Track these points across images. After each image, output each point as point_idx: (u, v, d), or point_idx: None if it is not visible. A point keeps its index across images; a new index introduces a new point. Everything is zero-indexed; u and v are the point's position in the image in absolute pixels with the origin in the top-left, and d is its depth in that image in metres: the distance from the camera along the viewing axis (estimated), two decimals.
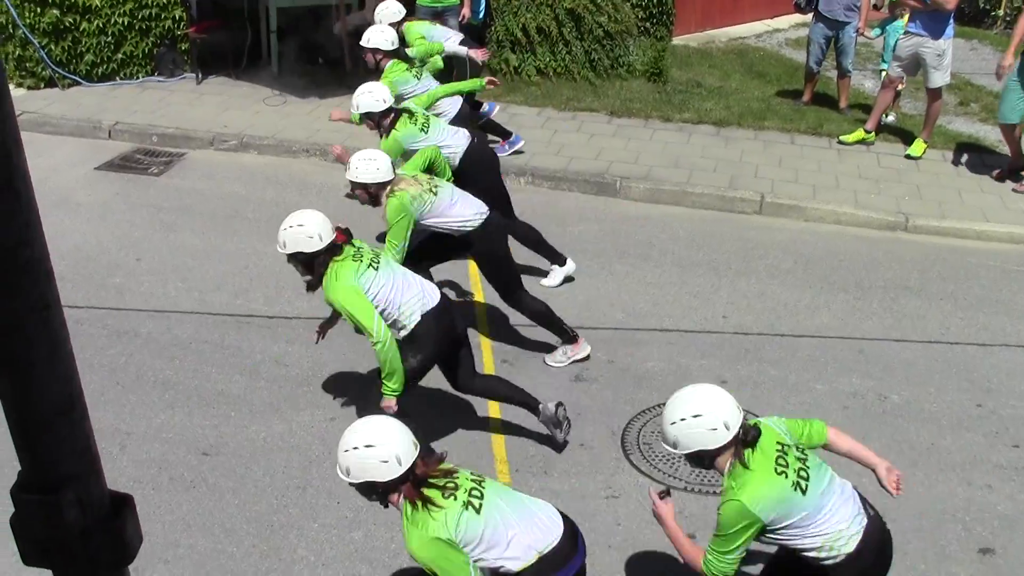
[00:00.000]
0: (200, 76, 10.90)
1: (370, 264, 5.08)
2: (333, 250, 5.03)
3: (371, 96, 6.54)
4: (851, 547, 3.69)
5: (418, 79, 7.54)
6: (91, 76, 10.72)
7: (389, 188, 5.83)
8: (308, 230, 4.97)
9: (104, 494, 1.60)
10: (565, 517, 3.83)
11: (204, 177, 8.99)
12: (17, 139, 1.40)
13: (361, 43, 7.70)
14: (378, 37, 7.56)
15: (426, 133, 6.66)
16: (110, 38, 10.63)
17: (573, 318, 6.84)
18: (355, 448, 3.59)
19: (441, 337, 5.26)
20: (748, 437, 3.67)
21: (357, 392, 6.11)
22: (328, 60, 10.86)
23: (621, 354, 6.57)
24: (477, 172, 6.83)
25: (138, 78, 10.94)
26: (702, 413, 3.64)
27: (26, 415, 1.48)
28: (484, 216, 6.08)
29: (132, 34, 10.73)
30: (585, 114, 10.34)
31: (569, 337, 6.43)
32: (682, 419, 3.65)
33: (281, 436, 5.78)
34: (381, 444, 3.58)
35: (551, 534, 3.71)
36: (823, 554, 3.70)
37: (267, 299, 7.08)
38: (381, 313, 5.02)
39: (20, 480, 1.56)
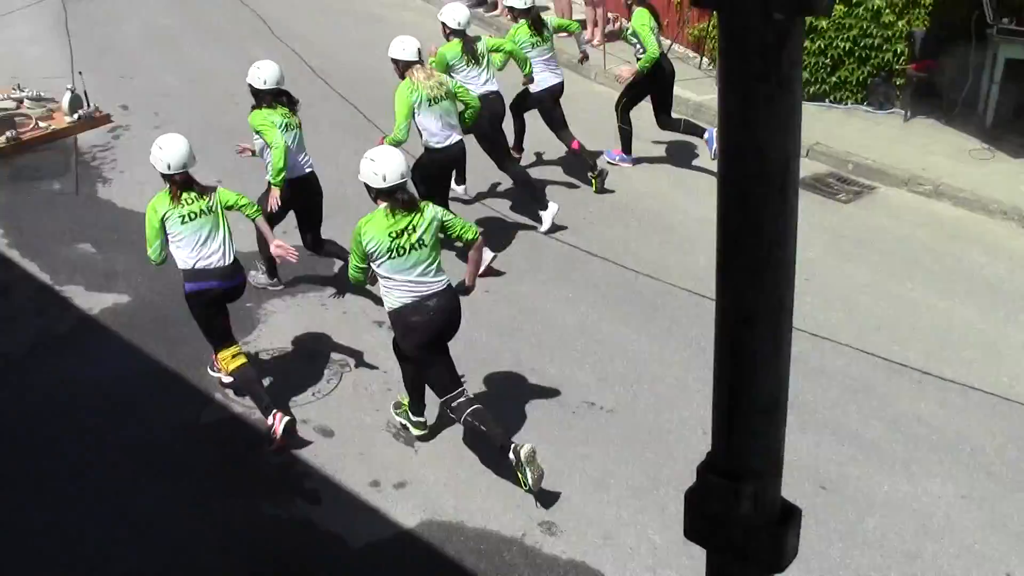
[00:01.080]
0: (909, 113, 10.66)
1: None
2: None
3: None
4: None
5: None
6: (803, 94, 11.09)
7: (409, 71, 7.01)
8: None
9: (777, 499, 1.62)
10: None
11: (890, 215, 8.81)
12: (797, 150, 1.46)
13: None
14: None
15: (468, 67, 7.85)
16: (828, 60, 10.88)
17: None
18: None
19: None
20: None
21: (993, 476, 5.57)
22: None
23: None
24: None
25: (847, 104, 11.07)
26: (375, 159, 5.28)
27: (735, 403, 1.56)
28: (451, 142, 7.32)
29: (850, 60, 10.85)
30: None
31: None
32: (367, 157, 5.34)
33: (904, 496, 5.49)
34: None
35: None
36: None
37: (926, 353, 6.73)
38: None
39: (708, 459, 1.64)
